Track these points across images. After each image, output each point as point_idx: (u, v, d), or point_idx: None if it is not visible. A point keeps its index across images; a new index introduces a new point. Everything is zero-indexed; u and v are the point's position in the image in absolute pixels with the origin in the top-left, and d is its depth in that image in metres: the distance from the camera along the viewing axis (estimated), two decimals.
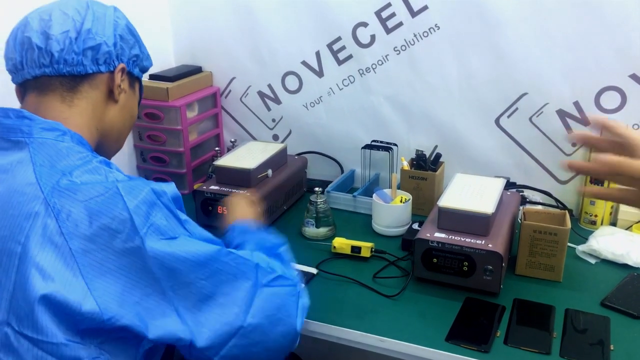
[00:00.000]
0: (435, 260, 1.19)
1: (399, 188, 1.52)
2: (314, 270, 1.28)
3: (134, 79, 1.03)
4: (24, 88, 0.93)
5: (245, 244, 1.01)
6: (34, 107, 0.90)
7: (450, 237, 1.19)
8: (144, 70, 1.05)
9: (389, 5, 1.53)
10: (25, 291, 0.74)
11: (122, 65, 0.96)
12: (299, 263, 1.30)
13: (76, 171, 0.81)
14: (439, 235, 1.19)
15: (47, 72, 0.89)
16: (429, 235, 1.20)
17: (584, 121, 1.45)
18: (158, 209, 0.81)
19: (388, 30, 1.56)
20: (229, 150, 1.66)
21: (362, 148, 1.63)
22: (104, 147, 1.00)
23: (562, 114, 1.47)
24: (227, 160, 1.51)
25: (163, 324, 0.79)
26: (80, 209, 0.77)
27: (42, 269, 0.74)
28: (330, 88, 1.69)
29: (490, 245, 1.15)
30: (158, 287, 0.79)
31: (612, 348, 1.02)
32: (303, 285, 0.98)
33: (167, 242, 0.80)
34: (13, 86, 0.96)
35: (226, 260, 0.85)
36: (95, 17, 0.92)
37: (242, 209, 1.22)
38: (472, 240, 1.17)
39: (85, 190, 0.78)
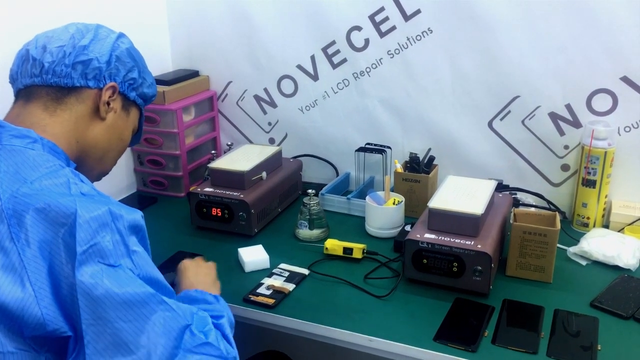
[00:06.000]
0: (425, 261, 1.20)
1: (392, 190, 1.53)
2: (305, 271, 1.29)
3: (130, 103, 1.02)
4: (17, 99, 0.95)
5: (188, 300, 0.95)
6: (15, 114, 0.91)
7: (440, 237, 1.20)
8: (144, 97, 1.05)
9: (382, 9, 1.55)
10: None
11: (112, 83, 0.96)
12: (292, 264, 1.32)
13: (38, 181, 0.79)
14: (429, 236, 1.20)
15: (36, 82, 0.92)
16: (419, 236, 1.21)
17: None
18: (108, 230, 0.76)
19: (382, 34, 1.57)
20: (225, 153, 1.68)
21: (356, 151, 1.64)
22: (86, 164, 0.98)
23: (554, 117, 1.48)
24: (221, 163, 1.52)
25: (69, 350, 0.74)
26: (33, 216, 0.75)
27: None
28: (325, 91, 1.70)
29: (479, 246, 1.16)
30: (77, 315, 0.73)
31: (599, 348, 1.02)
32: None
33: (101, 267, 0.74)
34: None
35: (156, 309, 0.76)
36: (96, 38, 0.95)
37: (194, 275, 1.11)
38: (461, 241, 1.18)
39: (43, 199, 0.76)
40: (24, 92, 0.93)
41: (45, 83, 0.92)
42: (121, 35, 1.01)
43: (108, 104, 0.96)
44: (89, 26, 0.97)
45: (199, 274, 1.12)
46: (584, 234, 1.41)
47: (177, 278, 1.12)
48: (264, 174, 1.53)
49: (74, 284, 0.73)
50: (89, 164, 0.98)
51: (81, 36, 0.94)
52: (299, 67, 1.70)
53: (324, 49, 1.65)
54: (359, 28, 1.59)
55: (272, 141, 1.85)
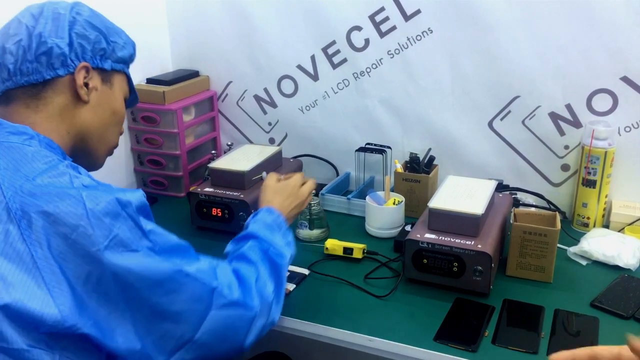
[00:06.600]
0: (425, 261, 1.20)
1: (392, 190, 1.53)
2: (306, 271, 1.29)
3: (109, 74, 0.97)
4: None
5: (253, 239, 1.04)
6: (1, 117, 0.90)
7: (440, 237, 1.20)
8: (122, 60, 0.99)
9: (382, 9, 1.55)
10: None
11: (83, 64, 0.91)
12: (292, 264, 1.31)
13: (40, 176, 0.79)
14: (429, 236, 1.20)
15: (9, 86, 0.89)
16: (419, 236, 1.21)
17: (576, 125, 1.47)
18: (122, 220, 0.79)
19: (382, 34, 1.57)
20: (225, 153, 1.68)
21: (356, 151, 1.64)
22: (88, 148, 0.97)
23: (554, 117, 1.48)
24: (221, 163, 1.52)
25: (114, 333, 0.78)
26: (42, 216, 0.75)
27: (3, 277, 0.73)
28: (325, 91, 1.70)
29: (479, 246, 1.16)
30: (112, 299, 0.78)
31: None
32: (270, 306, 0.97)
33: (127, 255, 0.78)
34: None
35: (183, 282, 0.83)
36: (49, 19, 0.89)
37: (287, 194, 1.19)
38: (461, 241, 1.17)
39: (48, 197, 0.77)
40: (2, 98, 0.91)
41: (18, 85, 0.89)
42: (75, 5, 0.93)
43: (86, 85, 0.92)
44: (41, 7, 0.91)
45: (292, 202, 1.18)
46: (584, 233, 1.41)
47: (260, 194, 1.20)
48: (264, 174, 1.52)
49: (92, 277, 0.76)
50: (92, 147, 0.97)
51: (34, 22, 0.88)
52: (299, 67, 1.70)
53: (324, 49, 1.65)
54: (359, 28, 1.59)
55: (272, 141, 1.85)
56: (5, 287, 0.73)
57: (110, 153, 1.04)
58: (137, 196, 0.83)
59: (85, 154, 0.97)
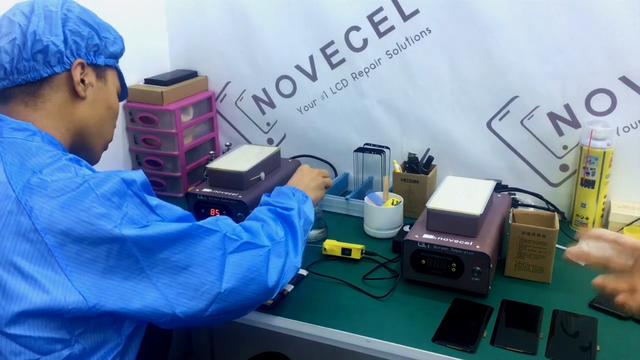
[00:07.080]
0: (423, 261, 1.20)
1: (391, 191, 1.53)
2: (304, 272, 1.29)
3: (103, 69, 1.00)
4: None
5: (263, 205, 1.13)
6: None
7: (438, 238, 1.19)
8: (113, 55, 1.02)
9: (380, 9, 1.54)
10: (5, 292, 0.76)
11: (78, 60, 0.93)
12: None
13: (46, 169, 0.82)
14: (428, 237, 1.20)
15: (6, 85, 0.91)
16: (417, 236, 1.20)
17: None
18: (129, 198, 0.83)
19: (380, 34, 1.57)
20: (223, 153, 1.68)
21: (355, 151, 1.64)
22: (87, 144, 0.99)
23: (553, 117, 1.48)
24: (220, 163, 1.52)
25: (144, 301, 0.82)
26: (52, 204, 0.78)
27: (20, 269, 0.76)
28: (324, 92, 1.70)
29: (477, 247, 1.15)
30: (136, 267, 0.82)
31: (598, 349, 1.02)
32: (283, 247, 1.02)
33: (140, 229, 0.82)
34: None
35: (197, 234, 0.87)
36: (42, 17, 0.90)
37: (300, 172, 1.32)
38: (460, 242, 1.17)
39: (57, 187, 0.80)
40: (0, 97, 0.93)
41: (15, 83, 0.91)
42: (65, 2, 0.95)
43: (82, 81, 0.95)
44: (31, 5, 0.92)
45: (305, 177, 1.30)
46: None
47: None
48: (262, 175, 1.52)
49: (112, 253, 0.80)
50: (90, 142, 1.00)
51: (27, 21, 0.89)
52: (298, 67, 1.70)
53: (323, 49, 1.65)
54: (357, 28, 1.59)
55: (270, 141, 1.85)
56: (26, 282, 0.76)
57: (105, 147, 1.07)
58: (140, 174, 0.87)
59: (83, 149, 0.99)
